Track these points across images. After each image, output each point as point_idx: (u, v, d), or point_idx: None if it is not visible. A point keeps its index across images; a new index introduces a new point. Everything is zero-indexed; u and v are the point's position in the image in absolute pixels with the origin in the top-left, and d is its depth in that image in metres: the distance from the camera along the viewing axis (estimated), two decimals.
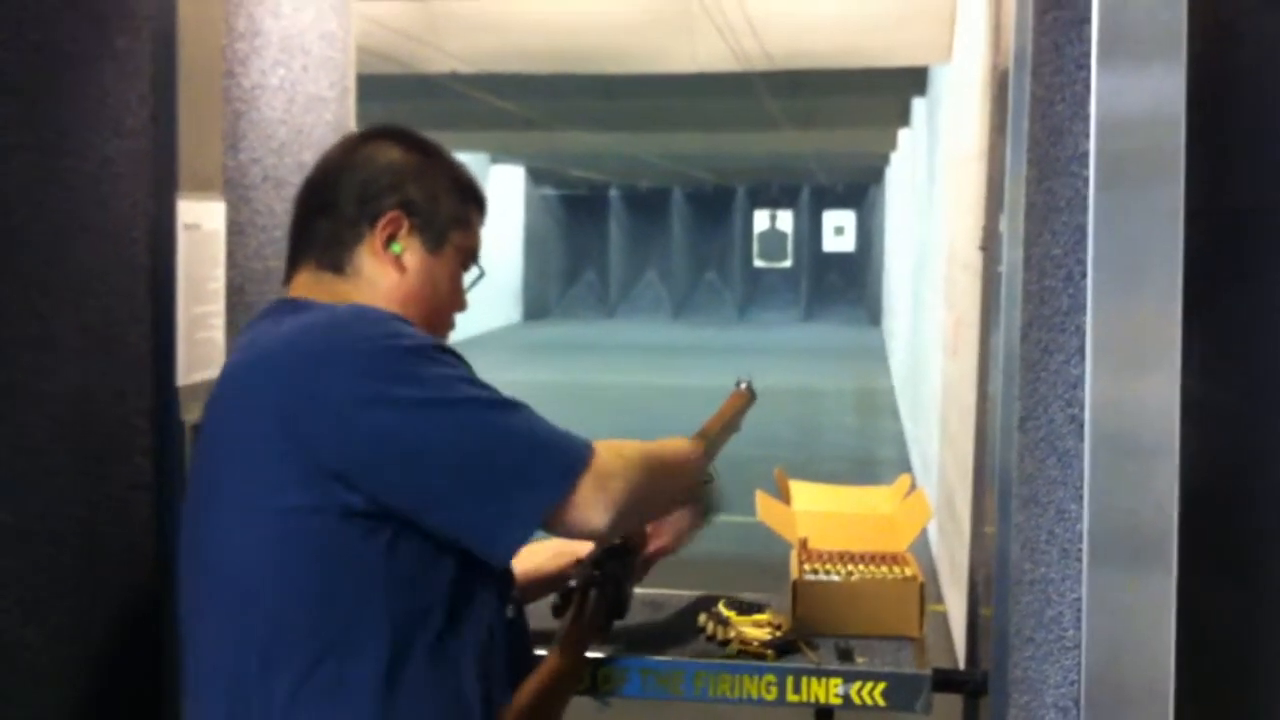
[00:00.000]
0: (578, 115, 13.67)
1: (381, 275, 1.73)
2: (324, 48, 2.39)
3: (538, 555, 1.98)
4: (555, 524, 1.61)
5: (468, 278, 1.84)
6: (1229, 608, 1.52)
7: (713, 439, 2.17)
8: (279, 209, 2.23)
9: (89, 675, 1.80)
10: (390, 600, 1.56)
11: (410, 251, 1.74)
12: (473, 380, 1.59)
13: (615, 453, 1.65)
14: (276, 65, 2.22)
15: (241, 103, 2.12)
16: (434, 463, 1.54)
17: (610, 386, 16.32)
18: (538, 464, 1.58)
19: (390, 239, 1.73)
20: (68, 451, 1.75)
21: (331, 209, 1.74)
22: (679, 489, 1.89)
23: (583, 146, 18.01)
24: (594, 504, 1.59)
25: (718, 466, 2.06)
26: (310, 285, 1.73)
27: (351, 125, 2.52)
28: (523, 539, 1.59)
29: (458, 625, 1.62)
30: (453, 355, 1.61)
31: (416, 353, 1.58)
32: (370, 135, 1.81)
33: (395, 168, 1.76)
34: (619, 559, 1.89)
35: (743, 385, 2.26)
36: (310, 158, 2.32)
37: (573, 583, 1.82)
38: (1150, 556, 1.27)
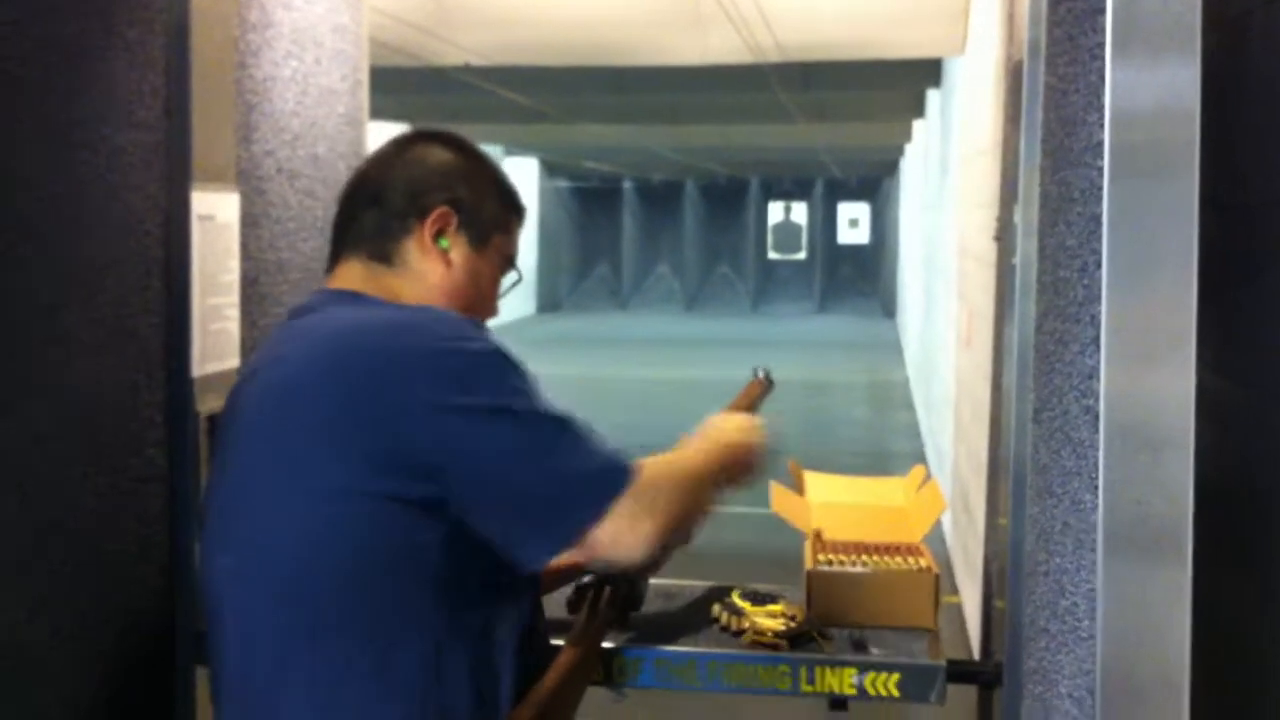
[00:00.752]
0: (590, 108, 13.68)
1: (429, 269, 1.78)
2: (336, 40, 2.39)
3: None
4: (588, 549, 1.60)
5: (504, 283, 1.89)
6: (1244, 599, 1.52)
7: None
8: (292, 201, 2.24)
9: (98, 671, 1.80)
10: (441, 589, 1.59)
11: (456, 248, 1.80)
12: (530, 392, 1.62)
13: (661, 477, 1.66)
14: (289, 57, 2.22)
15: (254, 95, 2.12)
16: (486, 469, 1.58)
17: (622, 379, 16.33)
18: (576, 487, 1.60)
19: (439, 234, 1.79)
20: (79, 444, 1.75)
21: (381, 202, 1.79)
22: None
23: (596, 139, 18.01)
24: (626, 535, 1.60)
25: None
26: (361, 277, 1.77)
27: (364, 118, 2.52)
28: (552, 554, 1.61)
29: (500, 620, 1.66)
30: (515, 363, 1.64)
31: (485, 358, 1.62)
32: (421, 136, 1.86)
33: (445, 168, 1.82)
34: None
35: (760, 374, 2.27)
36: (323, 150, 2.33)
37: (587, 579, 1.83)
38: (1165, 547, 1.27)
